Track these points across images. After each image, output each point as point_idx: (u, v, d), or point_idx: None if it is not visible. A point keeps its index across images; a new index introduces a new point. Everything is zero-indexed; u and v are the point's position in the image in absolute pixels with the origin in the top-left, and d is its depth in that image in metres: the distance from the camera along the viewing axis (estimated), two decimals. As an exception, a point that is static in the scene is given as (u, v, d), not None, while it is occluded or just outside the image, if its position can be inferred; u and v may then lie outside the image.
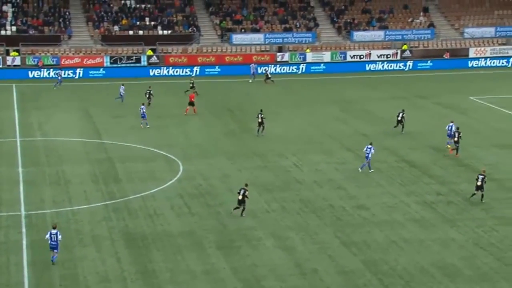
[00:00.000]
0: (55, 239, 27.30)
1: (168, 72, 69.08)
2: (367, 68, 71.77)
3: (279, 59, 73.11)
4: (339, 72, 69.64)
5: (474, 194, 34.37)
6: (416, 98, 58.37)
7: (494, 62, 73.86)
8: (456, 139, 41.34)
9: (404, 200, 34.44)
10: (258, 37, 75.13)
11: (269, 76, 65.09)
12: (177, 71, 69.24)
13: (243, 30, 76.21)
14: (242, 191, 32.15)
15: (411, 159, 40.87)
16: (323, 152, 42.40)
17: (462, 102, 56.32)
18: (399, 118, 46.63)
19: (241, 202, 32.10)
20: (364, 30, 77.53)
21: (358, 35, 76.68)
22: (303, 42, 75.66)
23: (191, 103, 51.81)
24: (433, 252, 28.70)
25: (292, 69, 71.21)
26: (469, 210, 33.18)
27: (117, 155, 41.60)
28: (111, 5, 76.42)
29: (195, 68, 69.38)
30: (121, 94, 55.39)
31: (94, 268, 27.28)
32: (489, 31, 78.65)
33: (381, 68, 72.01)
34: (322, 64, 71.82)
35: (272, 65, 70.81)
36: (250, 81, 64.94)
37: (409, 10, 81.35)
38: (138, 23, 74.62)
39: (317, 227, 31.19)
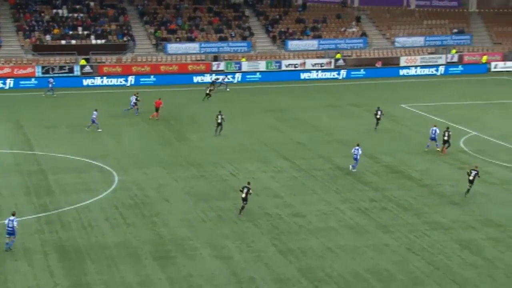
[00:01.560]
0: (11, 226, 28.93)
1: (102, 82, 68.15)
2: (302, 77, 72.54)
3: (214, 68, 73.12)
4: (275, 81, 70.16)
5: (468, 190, 36.21)
6: (350, 106, 59.28)
7: (424, 71, 75.76)
8: (446, 138, 43.93)
9: (339, 207, 34.86)
10: (193, 47, 75.02)
11: (215, 85, 64.40)
12: (111, 81, 68.39)
13: (178, 40, 75.94)
14: (245, 190, 33.07)
15: (346, 166, 41.38)
16: (259, 161, 42.55)
17: (394, 109, 57.48)
18: (378, 116, 49.39)
19: (245, 200, 33.09)
20: (299, 39, 78.41)
21: (292, 44, 77.47)
22: (239, 51, 75.94)
23: (157, 110, 52.98)
24: (368, 258, 29.12)
25: (228, 78, 71.21)
26: (401, 215, 33.84)
27: (49, 166, 40.73)
28: (43, 14, 74.97)
29: (129, 78, 68.70)
30: (132, 104, 54.12)
31: (25, 282, 26.58)
32: (418, 40, 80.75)
33: (316, 77, 72.89)
34: (257, 73, 72.22)
35: (208, 74, 70.76)
36: (228, 89, 64.39)
37: (342, 19, 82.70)
38: (70, 32, 73.43)
39: (254, 235, 31.24)
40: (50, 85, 61.82)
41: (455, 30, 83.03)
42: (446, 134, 44.10)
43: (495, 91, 66.72)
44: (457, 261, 28.82)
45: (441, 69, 76.08)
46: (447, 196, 36.53)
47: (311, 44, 77.91)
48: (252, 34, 78.22)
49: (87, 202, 35.01)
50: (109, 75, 69.06)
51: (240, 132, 49.71)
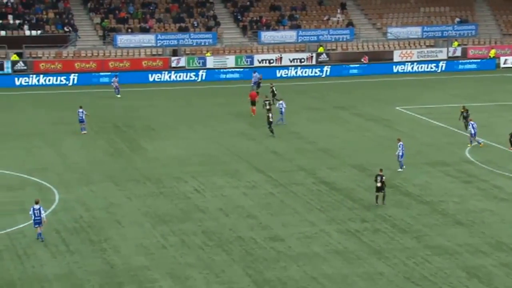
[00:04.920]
0: (38, 214, 32.39)
1: (38, 81, 67.82)
2: (278, 75, 72.86)
3: (174, 64, 73.14)
4: (246, 79, 70.25)
5: None
6: (335, 109, 59.64)
7: (421, 67, 76.57)
8: None
9: (324, 229, 35.03)
10: (148, 39, 74.99)
11: (275, 92, 59.69)
12: (49, 80, 68.09)
13: (129, 30, 75.84)
14: (379, 178, 37.10)
15: (332, 180, 41.61)
16: (229, 174, 42.61)
17: (387, 113, 57.97)
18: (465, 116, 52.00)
19: (381, 189, 37.15)
20: (274, 30, 78.78)
21: (266, 36, 77.81)
22: (202, 44, 76.07)
23: (253, 103, 55.06)
24: (359, 288, 29.33)
25: (190, 76, 71.37)
26: (398, 238, 34.09)
27: (-24, 183, 40.45)
28: (-35, -1, 74.52)
29: (71, 76, 68.44)
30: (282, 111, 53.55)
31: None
32: (415, 31, 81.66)
33: (294, 75, 73.29)
34: (225, 70, 72.42)
35: (166, 72, 70.74)
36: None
37: (324, 7, 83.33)
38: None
39: (224, 263, 31.27)
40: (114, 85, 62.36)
41: (458, 19, 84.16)
42: None
43: (505, 90, 67.65)
44: (465, 292, 29.13)
45: (442, 65, 77.02)
46: (451, 215, 36.91)
47: (288, 35, 78.29)
48: (218, 24, 78.39)
49: (22, 225, 34.73)
50: (46, 73, 68.73)
51: (206, 141, 49.72)
